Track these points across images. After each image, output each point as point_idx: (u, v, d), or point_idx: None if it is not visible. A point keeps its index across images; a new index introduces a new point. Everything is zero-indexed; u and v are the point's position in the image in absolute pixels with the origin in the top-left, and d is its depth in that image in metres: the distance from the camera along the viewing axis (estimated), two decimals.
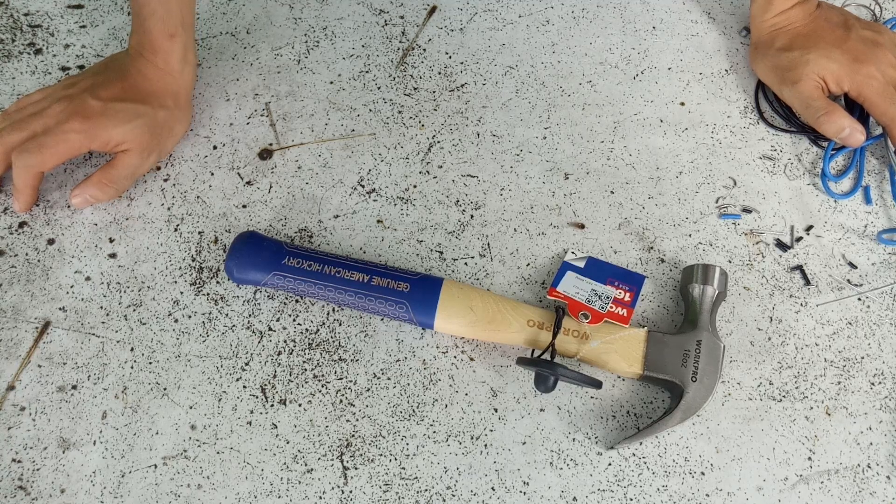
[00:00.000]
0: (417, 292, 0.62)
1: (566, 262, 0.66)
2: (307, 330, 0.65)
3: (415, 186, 0.71)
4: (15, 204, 0.67)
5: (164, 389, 0.63)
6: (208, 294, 0.66)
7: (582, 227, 0.70)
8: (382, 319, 0.65)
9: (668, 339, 0.61)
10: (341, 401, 0.62)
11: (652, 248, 0.69)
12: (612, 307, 0.62)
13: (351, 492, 0.59)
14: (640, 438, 0.59)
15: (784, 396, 0.63)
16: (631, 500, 0.59)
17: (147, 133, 0.66)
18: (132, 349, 0.64)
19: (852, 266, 0.68)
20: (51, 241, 0.68)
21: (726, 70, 0.78)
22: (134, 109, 0.66)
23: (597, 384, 0.58)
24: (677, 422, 0.58)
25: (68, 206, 0.69)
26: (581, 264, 0.66)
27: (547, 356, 0.59)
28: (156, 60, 0.68)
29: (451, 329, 0.62)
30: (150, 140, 0.67)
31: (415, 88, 0.76)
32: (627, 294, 0.64)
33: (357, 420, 0.61)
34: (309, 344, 0.64)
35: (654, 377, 0.60)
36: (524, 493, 0.59)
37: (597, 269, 0.66)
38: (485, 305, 0.62)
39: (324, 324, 0.65)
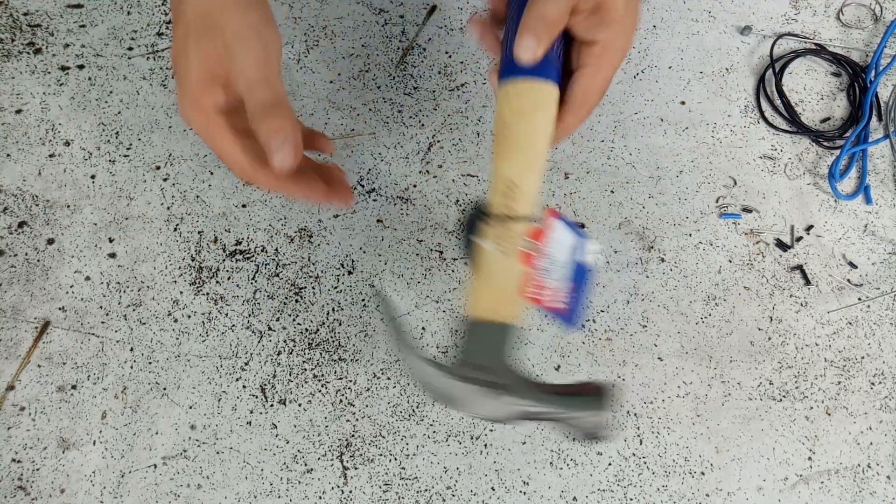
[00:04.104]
0: None
1: (563, 218, 0.51)
2: (307, 330, 0.65)
3: (415, 186, 0.71)
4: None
5: (164, 389, 0.63)
6: (208, 294, 0.66)
7: (582, 226, 0.69)
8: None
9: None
10: (341, 401, 0.62)
11: (652, 247, 0.69)
12: (541, 294, 0.49)
13: (351, 492, 0.59)
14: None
15: (784, 396, 0.63)
16: (631, 500, 0.59)
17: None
18: (132, 349, 0.64)
19: (852, 266, 0.68)
20: (50, 241, 0.68)
21: (727, 69, 0.77)
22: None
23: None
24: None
25: (68, 206, 0.69)
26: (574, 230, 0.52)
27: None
28: None
29: None
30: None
31: (415, 88, 0.76)
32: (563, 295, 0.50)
33: (357, 420, 0.61)
34: (309, 344, 0.64)
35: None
36: (524, 493, 0.59)
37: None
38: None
39: (324, 323, 0.65)
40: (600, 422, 0.45)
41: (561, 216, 0.51)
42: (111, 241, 0.68)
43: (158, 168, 0.72)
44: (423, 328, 0.65)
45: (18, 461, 0.60)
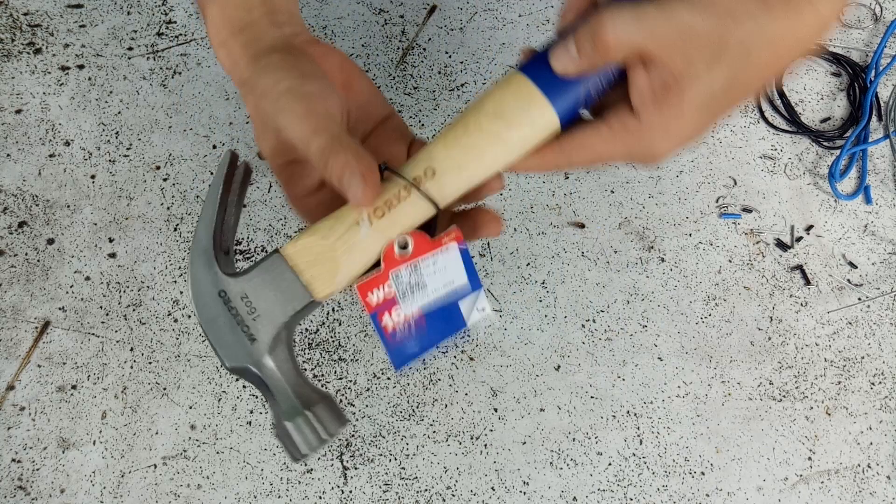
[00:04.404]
0: None
1: (466, 252, 0.44)
2: (307, 330, 0.65)
3: None
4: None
5: (164, 389, 0.63)
6: None
7: (582, 226, 0.69)
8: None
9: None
10: (341, 401, 0.62)
11: (652, 247, 0.69)
12: (382, 305, 0.42)
13: (351, 492, 0.59)
14: None
15: (784, 396, 0.63)
16: (631, 500, 0.59)
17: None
18: (132, 349, 0.64)
19: (852, 266, 0.68)
20: (50, 241, 0.68)
21: None
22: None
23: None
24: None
25: (68, 206, 0.69)
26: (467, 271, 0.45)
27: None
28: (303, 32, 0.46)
29: None
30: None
31: (415, 88, 0.76)
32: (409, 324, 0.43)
33: (357, 420, 0.61)
34: (309, 344, 0.64)
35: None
36: (524, 493, 0.59)
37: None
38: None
39: (324, 324, 0.65)
40: (315, 433, 0.40)
41: (465, 249, 0.43)
42: (111, 241, 0.68)
43: (158, 168, 0.72)
44: None
45: (18, 461, 0.60)
